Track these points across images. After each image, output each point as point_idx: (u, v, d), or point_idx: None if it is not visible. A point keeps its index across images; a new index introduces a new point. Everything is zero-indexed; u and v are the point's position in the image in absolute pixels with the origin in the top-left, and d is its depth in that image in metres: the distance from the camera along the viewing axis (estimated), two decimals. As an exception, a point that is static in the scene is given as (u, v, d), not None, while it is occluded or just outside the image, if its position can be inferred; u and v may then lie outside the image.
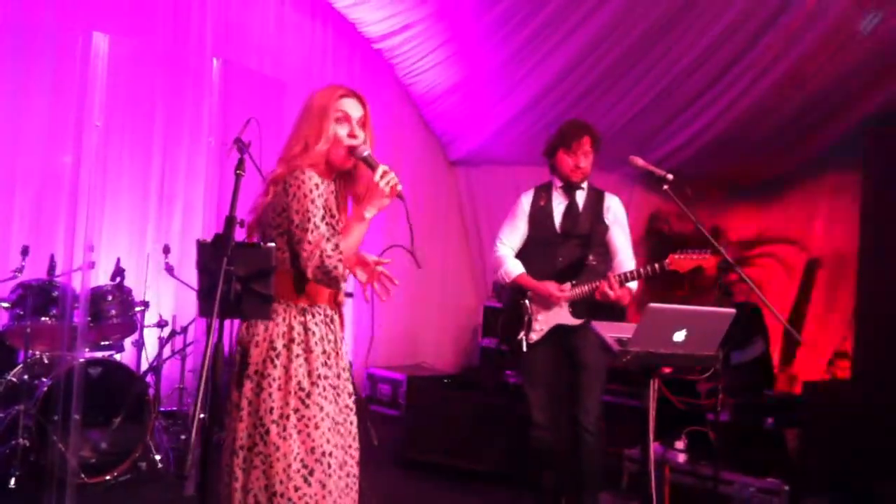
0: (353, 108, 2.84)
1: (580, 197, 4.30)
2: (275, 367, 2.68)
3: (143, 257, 5.82)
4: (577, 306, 4.17)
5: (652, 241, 7.86)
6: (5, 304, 4.89)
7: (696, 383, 5.48)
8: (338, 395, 2.80)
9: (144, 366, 5.65)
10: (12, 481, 4.50)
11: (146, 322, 5.62)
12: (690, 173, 7.52)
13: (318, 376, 2.72)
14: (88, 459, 4.73)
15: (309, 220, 2.63)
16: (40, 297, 4.87)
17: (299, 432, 2.65)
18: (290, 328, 2.72)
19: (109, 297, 5.13)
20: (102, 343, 5.26)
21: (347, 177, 2.91)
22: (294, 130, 2.81)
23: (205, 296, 2.50)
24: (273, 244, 2.60)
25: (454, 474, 5.33)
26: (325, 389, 2.72)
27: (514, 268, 4.30)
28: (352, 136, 2.80)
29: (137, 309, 5.34)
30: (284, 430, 2.63)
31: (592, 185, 4.37)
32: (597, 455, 4.12)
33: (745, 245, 7.69)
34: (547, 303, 4.19)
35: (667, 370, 5.51)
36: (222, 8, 6.58)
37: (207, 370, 2.31)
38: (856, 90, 5.95)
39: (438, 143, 8.47)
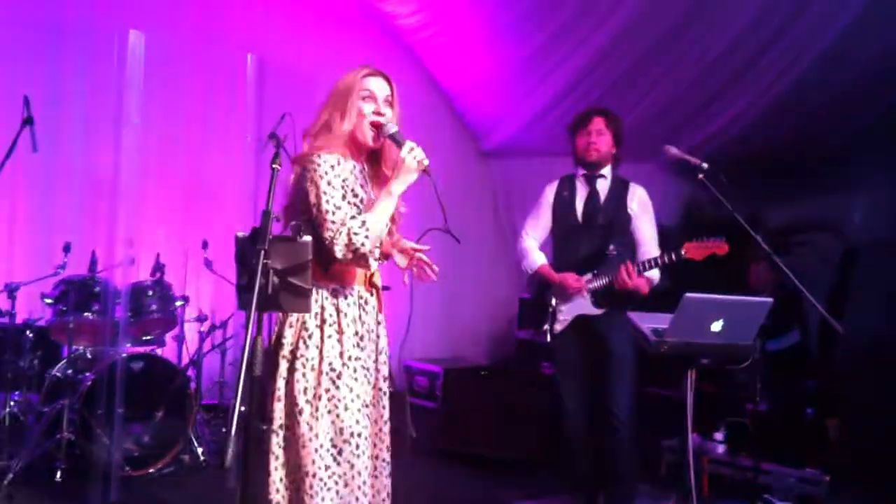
0: (378, 86, 2.87)
1: (602, 186, 4.29)
2: (307, 347, 2.73)
3: (183, 253, 5.89)
4: (598, 296, 4.16)
5: (689, 231, 7.80)
6: (49, 301, 4.98)
7: (734, 373, 5.45)
8: (371, 377, 2.84)
9: (185, 360, 5.72)
10: (58, 474, 4.58)
11: (186, 316, 5.69)
12: (726, 160, 7.47)
13: (349, 357, 2.76)
14: (132, 452, 4.80)
15: (328, 201, 2.67)
16: (82, 292, 4.95)
17: (329, 412, 2.69)
18: (323, 309, 2.77)
19: (150, 293, 5.20)
20: (144, 338, 5.34)
21: (376, 158, 2.93)
22: (321, 109, 2.85)
23: (243, 289, 2.52)
24: (309, 237, 2.63)
25: (489, 464, 5.34)
26: (355, 371, 2.76)
27: (535, 259, 4.34)
28: (377, 113, 2.83)
29: (178, 304, 5.40)
30: (316, 410, 2.69)
31: (618, 174, 4.36)
32: (628, 445, 4.10)
33: (782, 233, 7.61)
34: (568, 294, 4.19)
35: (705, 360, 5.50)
36: (257, 3, 6.63)
37: (247, 363, 2.34)
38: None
39: (471, 134, 8.46)
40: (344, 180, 2.74)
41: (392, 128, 2.82)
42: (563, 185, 4.38)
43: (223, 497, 4.28)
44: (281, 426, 2.74)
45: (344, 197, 2.71)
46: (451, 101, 8.26)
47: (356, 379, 2.76)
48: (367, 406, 2.79)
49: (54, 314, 4.99)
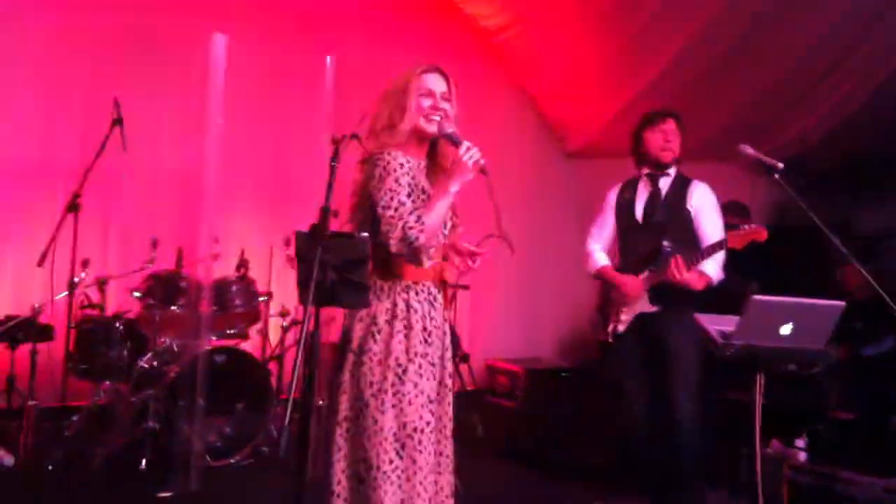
0: (435, 82, 2.90)
1: (664, 184, 4.27)
2: (376, 342, 2.78)
3: (267, 249, 6.03)
4: (655, 293, 4.12)
5: (777, 234, 7.61)
6: (137, 294, 5.17)
7: (817, 379, 5.30)
8: (437, 373, 2.87)
9: (268, 354, 5.85)
10: (143, 463, 4.75)
11: (270, 312, 5.82)
12: (817, 164, 7.27)
13: (416, 353, 2.79)
14: (214, 443, 4.93)
15: (392, 197, 2.72)
16: (168, 287, 5.13)
17: (394, 407, 2.73)
18: (394, 305, 2.82)
19: (234, 288, 5.35)
20: (228, 331, 5.47)
21: (434, 154, 2.97)
22: (378, 106, 2.92)
23: (302, 284, 2.58)
24: (367, 234, 2.67)
25: (563, 467, 5.30)
26: (420, 367, 2.79)
27: (597, 260, 4.39)
28: (434, 108, 2.86)
29: (261, 299, 5.54)
30: (382, 404, 2.73)
31: (681, 173, 4.33)
32: (691, 449, 4.03)
33: (874, 237, 7.36)
34: (627, 296, 4.20)
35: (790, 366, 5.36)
36: (336, 5, 6.76)
37: (303, 357, 2.40)
38: None
39: (555, 135, 8.43)
40: (413, 178, 2.80)
41: (449, 127, 2.84)
42: (626, 187, 4.41)
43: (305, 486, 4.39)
44: (346, 418, 2.80)
45: (409, 195, 2.76)
46: (535, 101, 8.24)
47: (422, 375, 2.79)
48: (431, 402, 2.82)
49: (142, 307, 5.18)
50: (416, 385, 2.77)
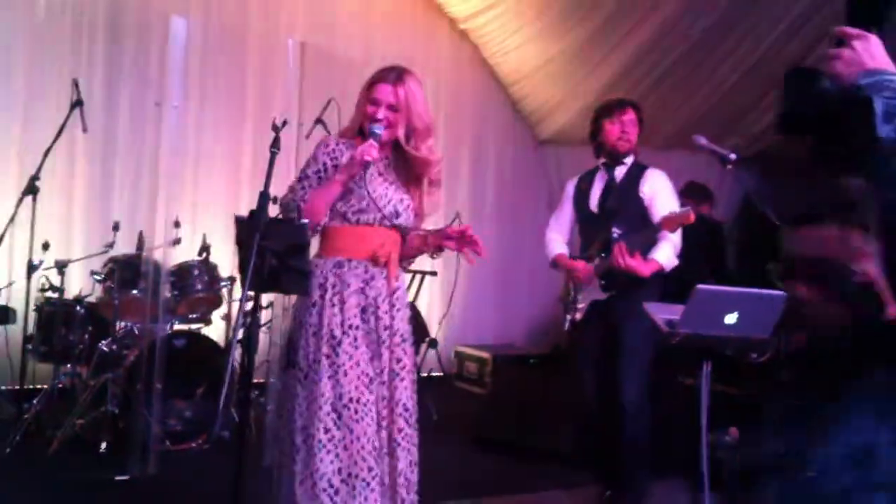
0: (386, 93, 2.97)
1: (619, 173, 4.29)
2: (311, 315, 2.88)
3: (231, 233, 5.99)
4: (606, 280, 4.14)
5: (746, 224, 7.65)
6: (97, 278, 5.15)
7: (772, 367, 5.32)
8: (377, 352, 2.93)
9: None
10: (102, 446, 4.74)
11: (234, 296, 5.80)
12: (787, 155, 7.28)
13: (350, 326, 2.87)
14: (174, 427, 4.93)
15: (303, 168, 2.98)
16: (129, 270, 5.10)
17: (329, 377, 2.81)
18: (325, 279, 2.91)
19: (195, 272, 5.31)
20: (191, 316, 5.46)
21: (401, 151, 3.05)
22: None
23: (242, 270, 2.58)
24: (306, 220, 2.68)
25: (530, 454, 5.31)
26: (356, 339, 2.87)
27: (553, 249, 4.42)
28: (374, 114, 2.96)
29: (223, 283, 5.51)
30: (317, 374, 2.82)
31: (638, 161, 4.34)
32: (636, 435, 4.06)
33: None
34: (579, 281, 4.24)
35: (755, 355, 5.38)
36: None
37: (237, 341, 2.41)
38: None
39: (527, 122, 8.42)
40: (332, 158, 2.96)
41: (377, 128, 2.94)
42: (584, 178, 4.42)
43: (260, 471, 4.39)
44: (295, 394, 2.88)
45: (317, 172, 2.96)
46: (507, 89, 8.23)
47: (357, 347, 2.87)
48: (368, 377, 2.87)
49: (103, 291, 5.17)
50: (350, 357, 2.85)
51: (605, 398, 4.18)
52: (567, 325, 4.30)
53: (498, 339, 8.13)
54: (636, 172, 4.29)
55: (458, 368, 7.72)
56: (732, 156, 3.65)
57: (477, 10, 7.33)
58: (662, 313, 3.28)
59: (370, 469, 2.82)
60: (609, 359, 4.14)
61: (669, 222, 3.88)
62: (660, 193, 4.23)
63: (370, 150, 2.83)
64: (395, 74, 2.98)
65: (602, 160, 4.32)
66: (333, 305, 2.87)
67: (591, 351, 4.23)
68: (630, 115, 4.27)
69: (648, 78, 6.89)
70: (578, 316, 4.22)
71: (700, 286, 3.09)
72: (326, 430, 2.77)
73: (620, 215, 4.19)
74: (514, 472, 5.09)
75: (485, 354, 7.47)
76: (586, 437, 4.42)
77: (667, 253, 4.06)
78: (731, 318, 3.11)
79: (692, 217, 3.83)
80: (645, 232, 4.03)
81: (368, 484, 2.81)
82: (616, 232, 4.10)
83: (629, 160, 4.30)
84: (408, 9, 7.60)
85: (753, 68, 6.35)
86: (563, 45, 7.13)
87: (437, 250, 3.15)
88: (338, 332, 2.84)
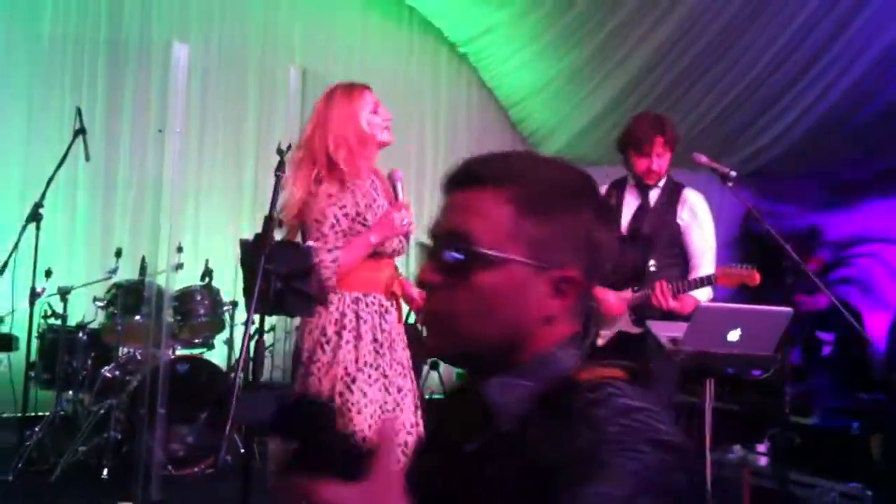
0: (373, 97, 3.00)
1: (654, 195, 3.94)
2: (324, 352, 2.81)
3: (233, 259, 6.00)
4: (638, 315, 3.84)
5: (745, 242, 7.68)
6: (99, 304, 5.15)
7: (779, 385, 5.33)
8: (391, 386, 2.88)
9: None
10: (105, 472, 4.72)
11: (236, 321, 5.79)
12: (785, 170, 7.33)
13: (366, 363, 2.81)
14: (177, 452, 4.92)
15: (318, 229, 2.83)
16: (131, 296, 5.11)
17: (342, 416, 2.74)
18: (342, 315, 2.84)
19: (198, 297, 5.31)
20: (195, 341, 5.46)
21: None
22: (328, 129, 2.95)
23: (247, 293, 2.59)
24: (312, 244, 2.70)
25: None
26: (370, 377, 2.81)
27: None
28: (386, 118, 2.98)
29: (226, 308, 5.51)
30: None
31: (671, 178, 4.00)
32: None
33: (843, 244, 7.43)
34: (608, 315, 3.91)
35: (757, 372, 5.38)
36: (300, 16, 6.82)
37: (244, 363, 2.41)
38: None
39: (526, 144, 8.46)
40: (340, 208, 2.85)
41: (398, 178, 2.98)
42: (611, 192, 4.02)
43: (264, 498, 4.37)
44: None
45: (333, 226, 2.82)
46: (507, 111, 8.28)
47: (371, 385, 2.81)
48: (383, 413, 2.83)
49: (105, 317, 5.17)
50: (364, 394, 2.78)
51: None
52: (588, 348, 4.03)
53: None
54: (672, 193, 3.95)
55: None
56: (733, 173, 3.65)
57: (476, 34, 7.39)
58: (666, 331, 3.29)
59: None
60: None
61: (729, 278, 3.59)
62: (699, 221, 3.91)
63: (408, 215, 2.86)
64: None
65: (633, 182, 4.00)
66: (348, 343, 2.81)
67: None
68: (658, 147, 3.86)
69: (647, 98, 6.94)
70: (600, 342, 3.94)
71: (702, 304, 3.10)
72: None
73: (656, 243, 3.89)
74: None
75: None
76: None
77: (707, 293, 3.77)
78: (733, 336, 3.12)
79: (757, 279, 3.54)
80: (695, 279, 3.70)
81: None
82: (653, 265, 3.83)
83: (662, 181, 3.97)
84: (406, 34, 7.66)
85: (750, 87, 6.40)
86: (561, 67, 7.18)
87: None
88: (352, 370, 2.79)
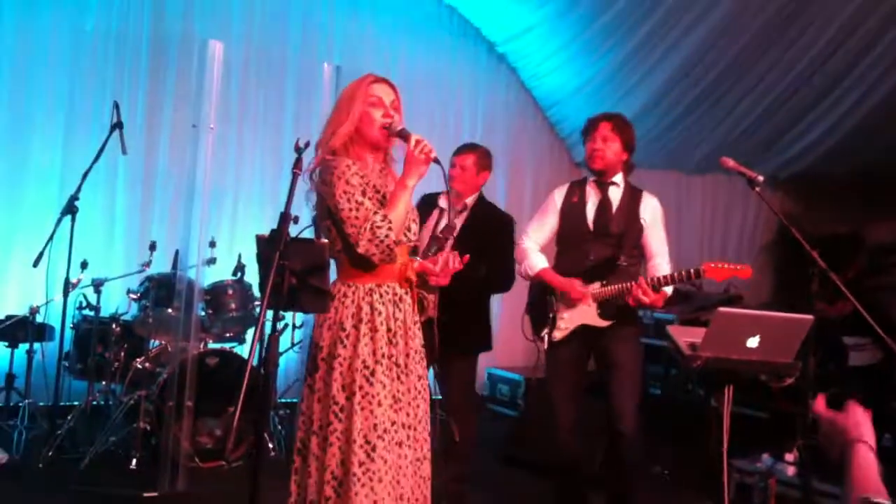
0: (384, 92, 2.96)
1: (615, 194, 4.09)
2: (344, 347, 2.81)
3: (258, 255, 6.08)
4: (605, 307, 3.98)
5: (783, 246, 7.58)
6: (133, 296, 5.24)
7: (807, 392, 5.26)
8: (403, 374, 2.88)
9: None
10: (133, 462, 4.82)
11: (268, 316, 5.83)
12: (827, 177, 7.22)
13: (383, 355, 2.82)
14: (205, 445, 4.98)
15: (349, 199, 2.76)
16: (164, 289, 5.19)
17: (363, 409, 2.75)
18: (359, 309, 2.84)
19: (230, 291, 5.39)
20: (226, 335, 5.52)
21: (391, 159, 3.04)
22: (328, 121, 2.97)
23: (262, 289, 2.62)
24: (326, 241, 2.72)
25: (557, 476, 5.26)
26: (388, 368, 2.82)
27: (537, 262, 4.12)
28: (386, 116, 2.91)
29: (256, 303, 5.57)
30: (351, 406, 2.75)
31: (630, 183, 4.17)
32: (635, 457, 3.99)
33: (884, 251, 7.30)
34: (571, 301, 4.02)
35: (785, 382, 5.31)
36: (336, 12, 6.87)
37: (259, 359, 2.43)
38: None
39: (564, 144, 8.44)
40: (362, 177, 2.83)
41: (399, 125, 2.90)
42: (573, 190, 4.18)
43: (277, 492, 4.43)
44: (321, 427, 2.82)
45: (364, 193, 2.80)
46: (544, 111, 8.26)
47: (388, 376, 2.82)
48: (398, 402, 2.85)
49: (139, 309, 5.25)
50: (384, 386, 2.80)
51: (577, 419, 4.12)
52: (545, 343, 4.07)
53: (529, 361, 8.07)
54: (634, 195, 4.12)
55: (491, 390, 7.70)
56: (760, 178, 3.63)
57: (514, 34, 7.38)
58: (685, 336, 3.26)
59: (408, 498, 2.83)
60: (583, 381, 4.14)
61: (719, 273, 3.72)
62: (657, 222, 4.12)
63: (427, 145, 2.81)
64: (383, 77, 3.02)
65: (593, 178, 4.16)
66: (365, 335, 2.81)
67: (567, 373, 4.09)
68: (603, 131, 4.09)
69: (684, 100, 6.89)
70: (558, 335, 4.04)
71: (721, 309, 3.07)
72: (361, 464, 2.72)
73: (625, 241, 4.05)
74: (548, 494, 5.03)
75: (517, 377, 7.44)
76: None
77: (669, 289, 3.93)
78: (752, 342, 3.08)
79: (749, 272, 3.72)
80: (680, 274, 3.79)
81: None
82: (624, 261, 4.00)
83: (619, 180, 4.12)
84: (445, 32, 7.68)
85: (790, 88, 6.32)
86: (599, 68, 7.15)
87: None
88: (370, 362, 2.79)
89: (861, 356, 6.05)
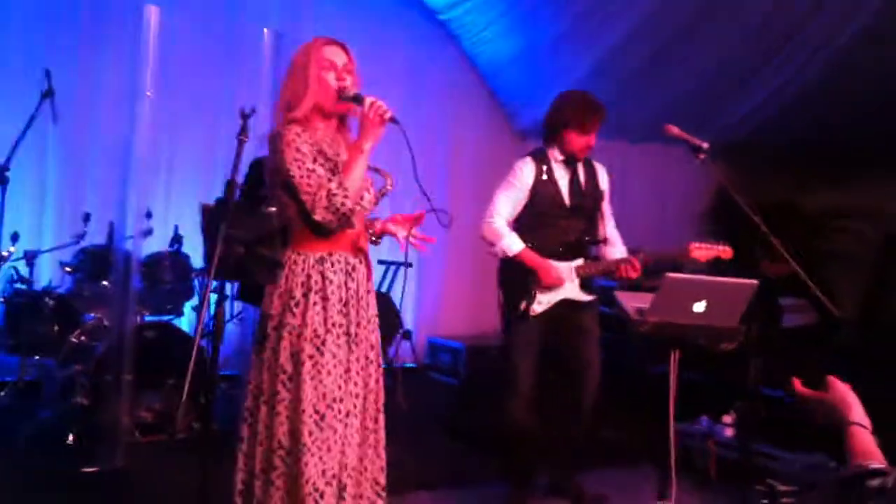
0: (336, 55, 2.91)
1: (580, 169, 4.19)
2: (293, 315, 2.77)
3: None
4: (587, 282, 4.12)
5: (719, 215, 7.71)
6: (68, 269, 5.11)
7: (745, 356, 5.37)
8: (354, 343, 2.86)
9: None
10: (70, 437, 4.69)
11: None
12: (766, 146, 7.34)
13: (334, 324, 2.79)
14: (145, 419, 4.88)
15: (300, 167, 2.70)
16: (99, 262, 5.07)
17: (312, 378, 2.73)
18: (308, 277, 2.80)
19: (166, 263, 5.28)
20: (164, 308, 5.41)
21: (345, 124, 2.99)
22: (282, 88, 2.89)
23: (208, 259, 2.56)
24: (274, 209, 2.66)
25: (504, 443, 5.28)
26: (338, 337, 2.80)
27: (514, 243, 4.09)
28: (340, 79, 2.85)
29: (194, 275, 5.47)
30: (300, 375, 2.72)
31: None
32: (596, 401, 4.17)
33: (819, 218, 7.47)
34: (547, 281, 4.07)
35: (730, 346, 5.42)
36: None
37: (202, 328, 2.38)
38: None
39: (504, 112, 8.41)
40: (311, 145, 2.78)
41: (352, 90, 2.84)
42: (539, 166, 4.16)
43: (231, 465, 4.38)
44: (270, 396, 2.79)
45: (315, 160, 2.75)
46: (485, 80, 8.21)
47: (339, 346, 2.80)
48: (347, 371, 2.83)
49: (73, 282, 5.12)
50: (334, 356, 2.78)
51: (536, 392, 4.16)
52: (520, 314, 4.07)
53: (471, 330, 8.11)
54: (591, 168, 4.25)
55: (432, 359, 7.71)
56: (704, 145, 3.65)
57: (456, 1, 7.31)
58: (632, 302, 3.30)
59: (353, 467, 2.82)
60: (548, 353, 4.17)
61: (703, 253, 3.86)
62: (607, 191, 4.27)
63: (381, 106, 2.75)
64: (333, 38, 2.98)
65: (560, 157, 4.16)
66: (315, 304, 2.77)
67: (537, 344, 4.12)
68: (598, 124, 4.11)
69: (624, 69, 6.92)
70: (539, 309, 4.07)
71: (669, 274, 3.10)
72: (310, 433, 2.70)
73: (594, 216, 4.19)
74: (492, 464, 5.04)
75: (458, 345, 7.46)
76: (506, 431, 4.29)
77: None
78: (699, 307, 3.12)
79: (731, 253, 3.87)
80: (667, 255, 4.04)
81: (351, 477, 2.81)
82: (586, 236, 4.17)
83: None
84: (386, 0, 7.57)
85: (731, 55, 6.38)
86: (541, 36, 7.13)
87: (378, 237, 3.10)
88: (321, 331, 2.76)
89: (794, 318, 6.19)
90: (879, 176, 7.39)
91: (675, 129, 3.78)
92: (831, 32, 5.92)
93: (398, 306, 6.26)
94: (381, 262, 6.49)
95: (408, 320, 7.02)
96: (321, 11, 7.04)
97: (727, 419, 4.93)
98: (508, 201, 4.16)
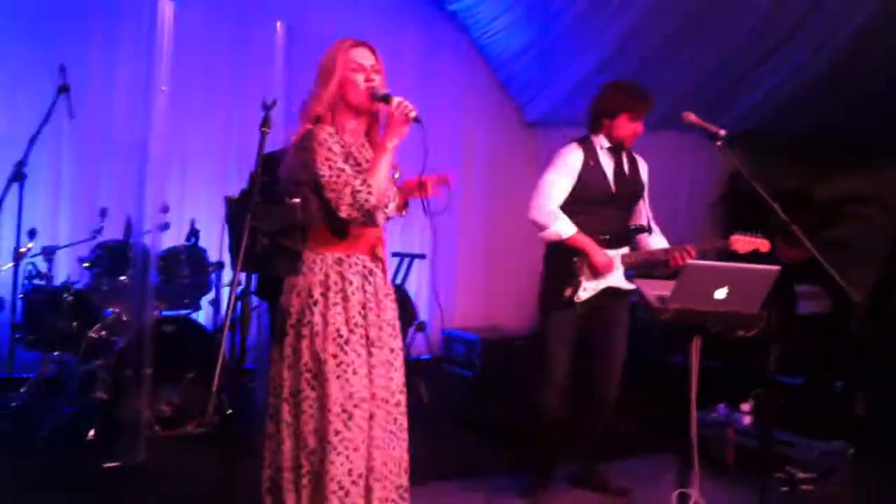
0: (364, 57, 2.92)
1: (624, 159, 4.22)
2: (313, 314, 2.78)
3: (220, 219, 5.97)
4: (635, 271, 4.10)
5: (731, 202, 7.70)
6: (85, 264, 5.12)
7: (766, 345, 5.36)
8: (375, 347, 2.87)
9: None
10: (91, 432, 4.70)
11: (223, 282, 5.76)
12: (778, 134, 7.32)
13: (356, 324, 2.81)
14: (164, 413, 4.90)
15: (330, 167, 2.72)
16: (117, 257, 5.08)
17: (338, 377, 2.74)
18: (327, 276, 2.81)
19: (182, 257, 5.29)
20: (185, 301, 5.43)
21: (376, 123, 2.99)
22: (311, 89, 2.91)
23: (233, 251, 2.58)
24: (298, 200, 2.67)
25: (518, 434, 5.30)
26: (360, 338, 2.81)
27: (567, 226, 4.02)
28: (368, 80, 2.87)
29: (211, 269, 5.48)
30: (324, 374, 2.73)
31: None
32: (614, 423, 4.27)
33: (830, 206, 7.45)
34: (596, 266, 4.05)
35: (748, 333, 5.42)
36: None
37: (231, 322, 2.39)
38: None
39: (514, 104, 8.39)
40: (343, 146, 2.81)
41: (381, 89, 2.86)
42: (588, 153, 4.13)
43: (250, 458, 4.39)
44: (291, 393, 2.81)
45: (346, 160, 2.77)
46: (495, 71, 8.19)
47: (363, 345, 2.82)
48: (374, 373, 2.85)
49: (91, 277, 5.14)
50: (359, 355, 2.79)
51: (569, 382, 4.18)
52: (566, 300, 4.06)
53: (485, 322, 8.12)
54: (633, 159, 4.29)
55: (447, 351, 7.72)
56: (721, 132, 3.65)
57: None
58: (653, 289, 3.30)
59: (379, 471, 2.84)
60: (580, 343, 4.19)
61: (744, 245, 3.90)
62: (646, 184, 4.32)
63: (407, 106, 2.78)
64: (361, 40, 2.99)
65: (606, 145, 4.17)
66: (336, 304, 2.79)
67: (574, 332, 4.13)
68: (647, 111, 4.18)
69: (633, 60, 6.89)
70: (584, 295, 4.06)
71: (690, 261, 3.11)
72: (337, 433, 2.72)
73: (635, 204, 4.27)
74: (508, 453, 5.05)
75: (473, 337, 7.46)
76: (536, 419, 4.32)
77: None
78: (720, 294, 3.12)
79: (768, 246, 3.90)
80: (712, 247, 4.04)
81: (379, 481, 2.83)
82: (631, 224, 4.24)
83: None
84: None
85: (743, 44, 6.36)
86: (550, 26, 7.10)
87: (403, 207, 3.12)
88: (344, 331, 2.78)
89: (809, 305, 6.19)
90: (887, 164, 7.38)
91: (692, 116, 3.80)
92: (832, 27, 5.91)
93: (412, 298, 6.27)
94: (395, 254, 6.49)
95: (422, 312, 7.01)
96: (332, 3, 7.03)
97: (745, 407, 4.93)
98: (558, 186, 4.08)
